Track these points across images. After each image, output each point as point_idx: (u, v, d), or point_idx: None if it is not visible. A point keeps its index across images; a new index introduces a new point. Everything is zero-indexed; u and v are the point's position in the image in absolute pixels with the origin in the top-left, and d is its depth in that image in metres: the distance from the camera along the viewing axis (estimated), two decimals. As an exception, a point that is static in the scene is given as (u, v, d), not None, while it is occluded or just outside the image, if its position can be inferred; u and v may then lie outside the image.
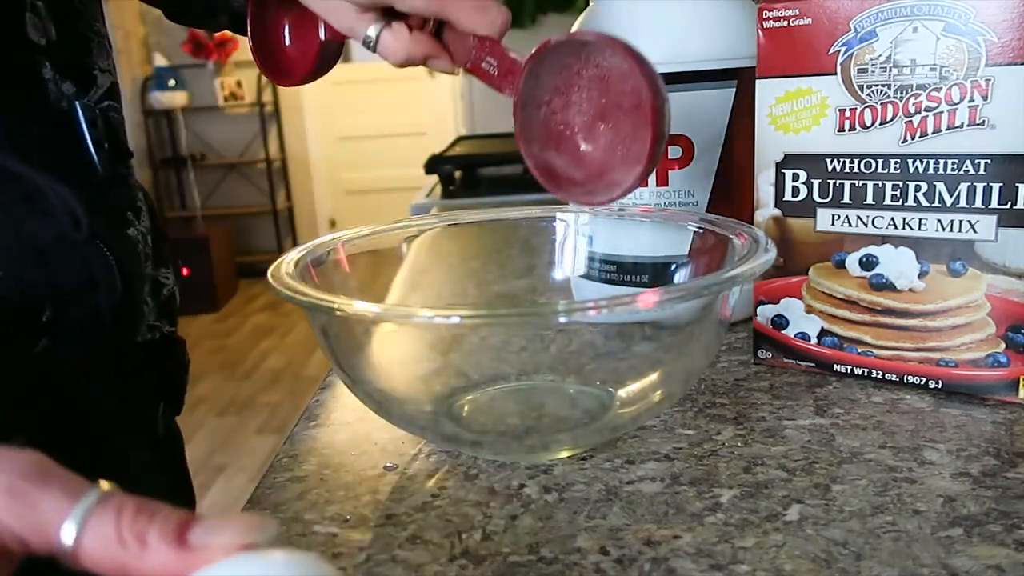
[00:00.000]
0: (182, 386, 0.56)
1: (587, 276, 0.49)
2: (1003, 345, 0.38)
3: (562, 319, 0.34)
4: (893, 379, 0.41)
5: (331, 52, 0.43)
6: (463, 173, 1.42)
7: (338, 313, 0.32)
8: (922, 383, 0.40)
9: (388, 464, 0.36)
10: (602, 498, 0.32)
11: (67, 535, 0.20)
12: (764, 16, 0.41)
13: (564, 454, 0.35)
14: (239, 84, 4.64)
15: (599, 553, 0.28)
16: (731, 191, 0.49)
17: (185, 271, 4.09)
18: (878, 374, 0.41)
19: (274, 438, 2.66)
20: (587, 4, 0.53)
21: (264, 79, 4.56)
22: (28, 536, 0.20)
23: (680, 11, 0.48)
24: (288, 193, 4.92)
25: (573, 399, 0.40)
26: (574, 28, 0.52)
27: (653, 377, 0.37)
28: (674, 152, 0.48)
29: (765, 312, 0.44)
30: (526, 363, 0.42)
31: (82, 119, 0.49)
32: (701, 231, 0.41)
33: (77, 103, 0.50)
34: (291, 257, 0.37)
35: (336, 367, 0.35)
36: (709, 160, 0.48)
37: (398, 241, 0.45)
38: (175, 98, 4.35)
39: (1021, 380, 0.38)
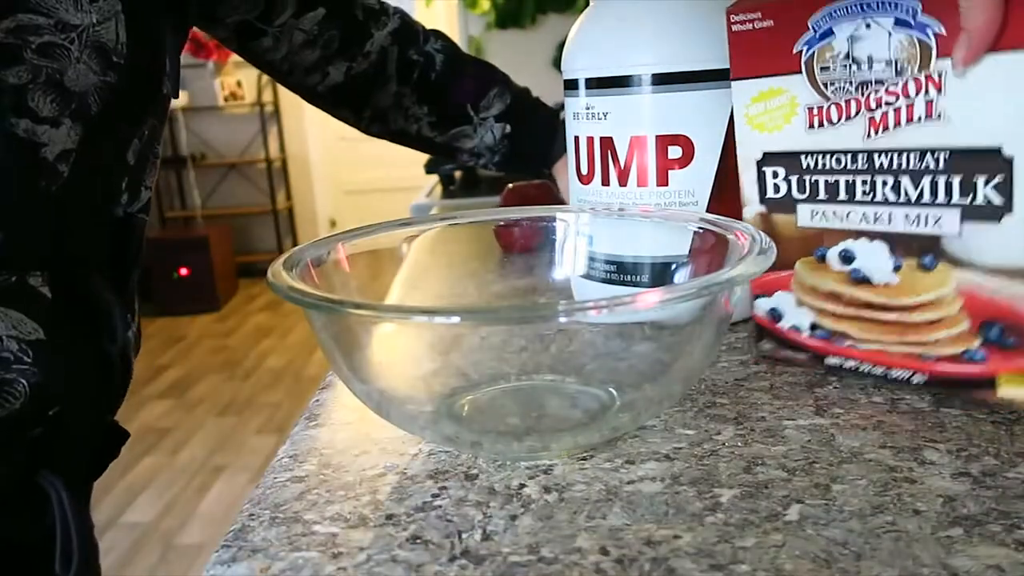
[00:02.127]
0: (106, 467, 0.60)
1: (587, 276, 0.50)
2: (978, 341, 0.38)
3: (562, 319, 0.34)
4: (879, 374, 0.41)
5: None
6: (463, 173, 1.42)
7: (338, 313, 0.32)
8: (907, 378, 0.40)
9: (388, 464, 0.36)
10: (602, 498, 0.32)
11: None
12: (731, 20, 0.42)
13: (564, 454, 0.35)
14: (239, 84, 4.63)
15: (599, 553, 0.28)
16: (731, 191, 0.49)
17: (185, 271, 4.09)
18: (865, 368, 0.41)
19: (274, 438, 2.66)
20: (587, 4, 0.53)
21: (264, 78, 4.56)
22: None
23: (680, 11, 0.48)
24: (288, 193, 4.92)
25: (573, 399, 0.40)
26: (574, 29, 0.52)
27: (653, 377, 0.37)
28: (674, 152, 0.48)
29: (762, 305, 0.44)
30: (526, 363, 0.42)
31: (133, 227, 0.54)
32: (701, 231, 0.41)
33: (131, 214, 0.55)
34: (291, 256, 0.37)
35: (336, 367, 0.35)
36: (709, 160, 0.48)
37: (398, 241, 0.45)
38: (175, 98, 4.35)
39: (998, 378, 0.37)
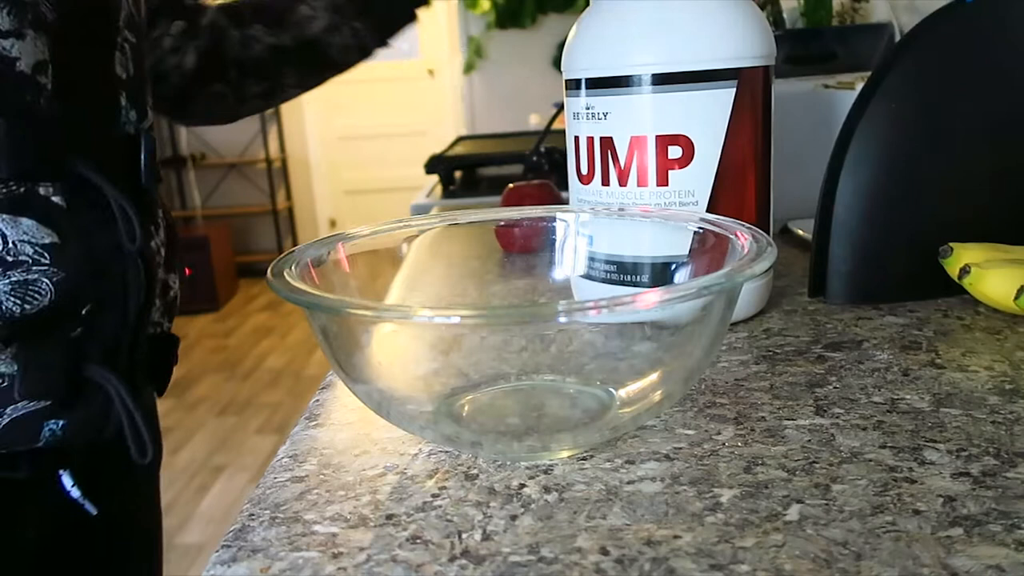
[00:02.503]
0: (169, 375, 0.65)
1: (587, 276, 0.50)
2: None
3: (562, 319, 0.34)
4: None
5: None
6: (463, 173, 1.42)
7: (338, 313, 0.32)
8: None
9: (388, 464, 0.36)
10: (602, 498, 0.32)
11: None
12: None
13: (564, 454, 0.35)
14: (239, 84, 4.62)
15: (599, 553, 0.28)
16: (731, 191, 0.49)
17: (187, 271, 4.10)
18: None
19: (274, 438, 2.66)
20: (587, 4, 0.53)
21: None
22: None
23: (680, 11, 0.48)
24: (288, 193, 4.92)
25: (573, 399, 0.40)
26: (574, 29, 0.52)
27: (653, 377, 0.37)
28: (674, 152, 0.48)
29: None
30: (526, 363, 0.42)
31: (143, 142, 0.57)
32: (701, 231, 0.41)
33: (141, 129, 0.58)
34: (291, 256, 0.37)
35: (336, 367, 0.35)
36: (709, 160, 0.48)
37: (398, 241, 0.45)
38: (175, 98, 4.34)
39: None
